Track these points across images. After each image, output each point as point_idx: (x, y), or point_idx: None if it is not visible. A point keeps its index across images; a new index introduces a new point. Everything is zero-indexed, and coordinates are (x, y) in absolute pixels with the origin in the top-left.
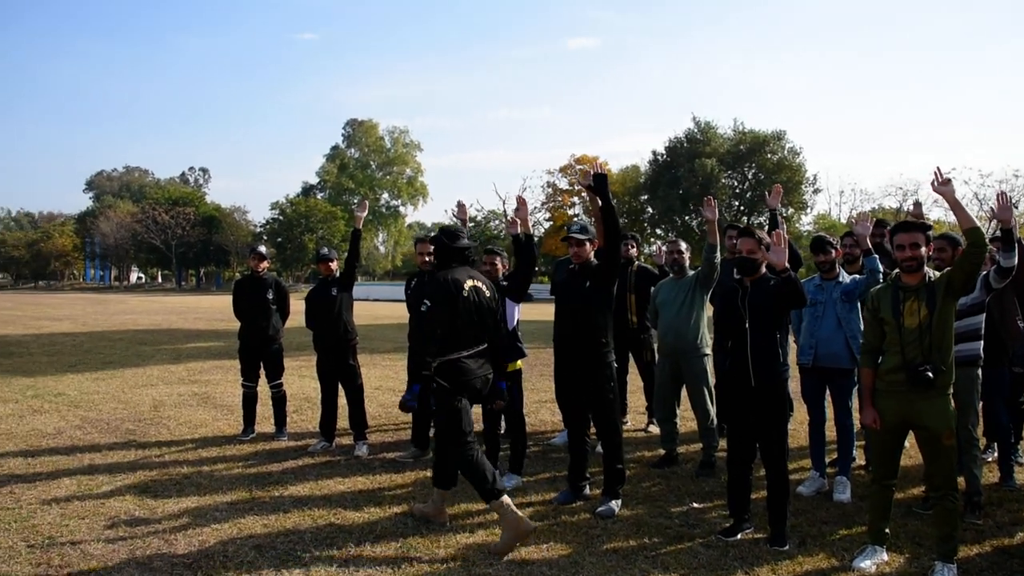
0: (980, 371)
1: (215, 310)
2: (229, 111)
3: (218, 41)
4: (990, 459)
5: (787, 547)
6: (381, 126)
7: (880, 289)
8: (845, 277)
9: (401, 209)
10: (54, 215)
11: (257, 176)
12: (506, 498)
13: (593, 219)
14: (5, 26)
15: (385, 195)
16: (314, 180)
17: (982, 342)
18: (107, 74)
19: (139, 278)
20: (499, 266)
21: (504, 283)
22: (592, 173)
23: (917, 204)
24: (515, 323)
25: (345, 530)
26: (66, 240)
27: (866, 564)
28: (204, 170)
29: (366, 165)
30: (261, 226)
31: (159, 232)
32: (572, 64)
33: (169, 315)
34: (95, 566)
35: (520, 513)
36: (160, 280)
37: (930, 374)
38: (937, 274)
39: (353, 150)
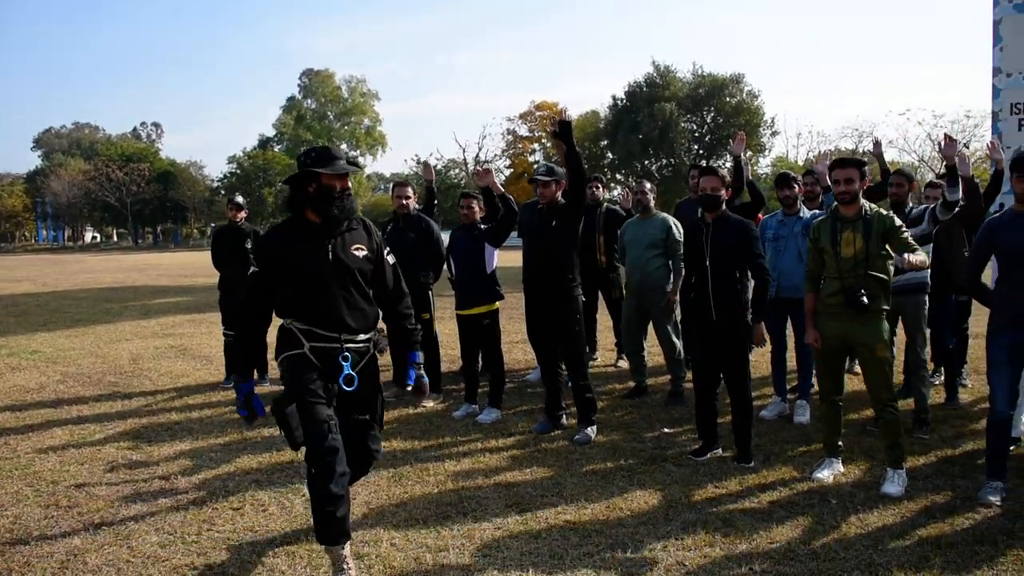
0: (927, 298)
1: (177, 266)
2: (178, 64)
3: None
4: (938, 382)
5: (752, 464)
6: (338, 75)
7: (821, 220)
8: (806, 212)
9: (360, 159)
10: (2, 176)
11: (212, 130)
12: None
13: (556, 163)
14: None
15: (344, 146)
16: (271, 133)
17: (929, 271)
18: (48, 29)
19: (94, 237)
20: (476, 209)
21: (483, 227)
22: (557, 120)
23: (877, 143)
24: (494, 267)
25: None
26: (16, 200)
27: (824, 475)
28: (157, 125)
29: (323, 116)
30: (218, 180)
31: (113, 190)
32: (529, 5)
33: (130, 272)
34: (102, 505)
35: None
36: (116, 239)
37: (865, 299)
38: (874, 207)
39: (310, 101)
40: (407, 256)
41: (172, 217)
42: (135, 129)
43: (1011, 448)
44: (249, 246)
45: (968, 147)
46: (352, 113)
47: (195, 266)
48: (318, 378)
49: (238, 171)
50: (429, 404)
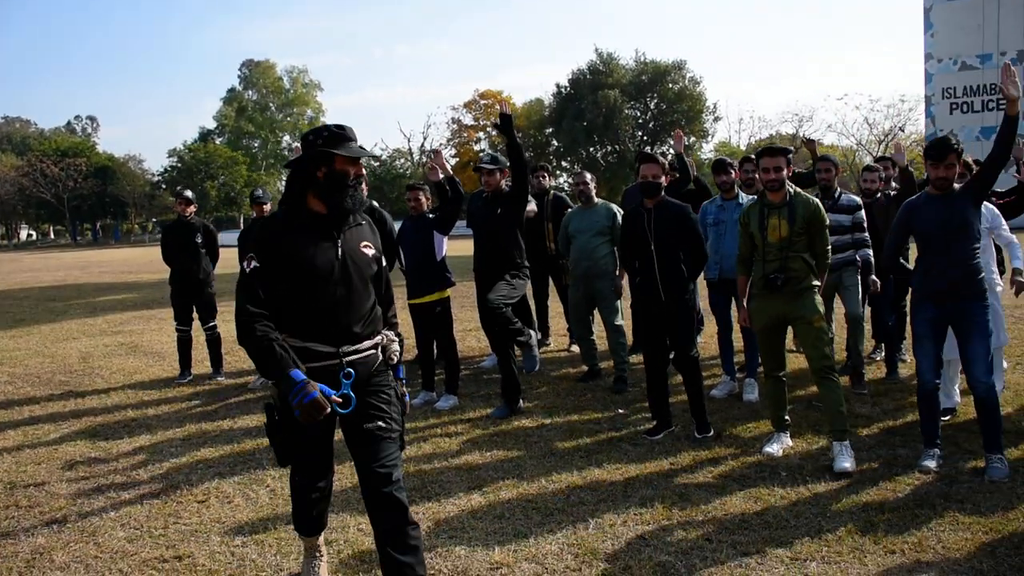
0: (858, 270)
1: (120, 263)
2: (113, 55)
3: None
4: (879, 358)
5: (712, 432)
6: (279, 66)
7: (751, 206)
8: (744, 198)
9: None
10: None
11: (150, 123)
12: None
13: (502, 152)
14: None
15: (286, 138)
16: (211, 125)
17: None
18: None
19: (29, 235)
20: (423, 200)
21: (431, 216)
22: (498, 113)
23: (810, 142)
24: (443, 254)
25: None
26: None
27: (774, 448)
28: (92, 118)
29: (265, 107)
30: (159, 174)
31: (49, 186)
32: None
33: (71, 271)
34: (64, 503)
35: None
36: (53, 236)
37: (779, 283)
38: (800, 192)
39: (251, 92)
40: None
41: (112, 213)
42: (69, 123)
43: (947, 418)
44: (199, 240)
45: (903, 131)
46: (295, 104)
47: (138, 262)
48: None
49: (179, 164)
50: None
